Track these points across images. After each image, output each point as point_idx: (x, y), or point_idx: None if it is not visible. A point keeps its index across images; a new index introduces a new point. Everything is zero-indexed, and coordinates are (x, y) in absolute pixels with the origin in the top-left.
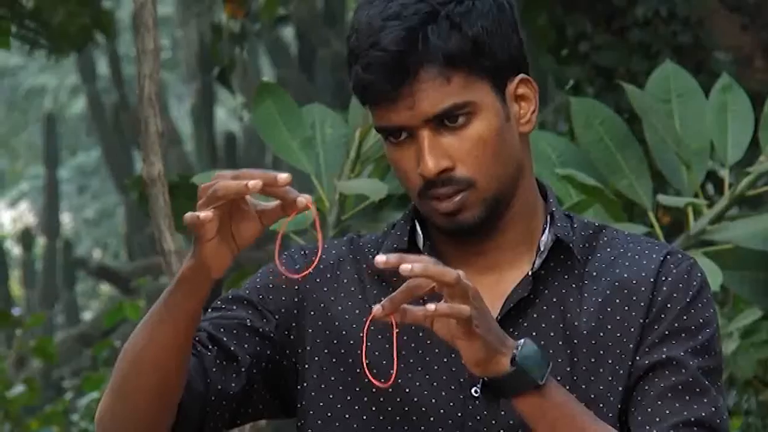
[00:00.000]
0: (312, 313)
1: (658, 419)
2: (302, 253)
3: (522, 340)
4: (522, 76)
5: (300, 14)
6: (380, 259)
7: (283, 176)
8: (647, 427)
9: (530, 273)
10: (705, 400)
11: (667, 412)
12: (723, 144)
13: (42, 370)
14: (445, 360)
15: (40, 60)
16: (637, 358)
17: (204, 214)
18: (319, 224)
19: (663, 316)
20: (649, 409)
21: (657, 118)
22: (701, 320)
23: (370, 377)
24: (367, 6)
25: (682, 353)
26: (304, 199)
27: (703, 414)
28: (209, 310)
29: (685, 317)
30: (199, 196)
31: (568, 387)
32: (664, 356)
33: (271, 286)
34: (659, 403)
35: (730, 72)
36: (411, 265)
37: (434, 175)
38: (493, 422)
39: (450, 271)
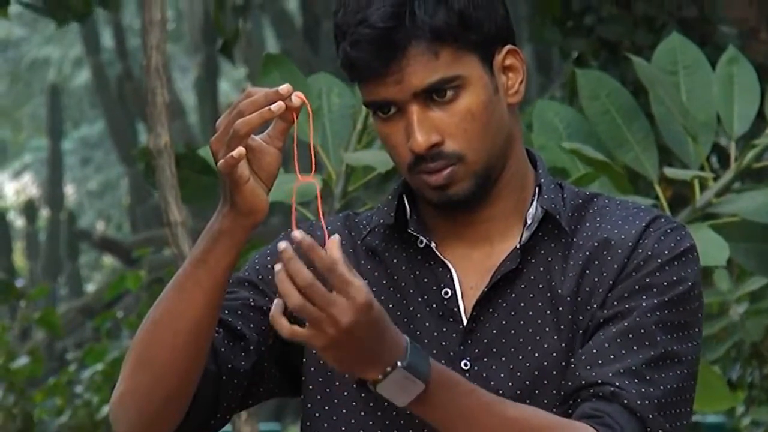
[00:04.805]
0: None
1: (600, 362)
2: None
3: (397, 365)
4: (509, 47)
5: None
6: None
7: (284, 87)
8: (588, 368)
9: (518, 246)
10: (652, 353)
11: (611, 357)
12: (729, 116)
13: (45, 341)
14: (435, 334)
15: (43, 31)
16: (600, 310)
17: (236, 150)
18: (320, 193)
19: (634, 273)
20: (595, 351)
21: (664, 91)
22: (675, 277)
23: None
24: None
25: (643, 305)
26: (296, 97)
27: (638, 365)
28: None
29: (658, 273)
30: (215, 152)
31: (555, 354)
32: (626, 307)
33: (269, 266)
34: (606, 346)
35: (736, 45)
36: (282, 269)
37: (424, 150)
38: None
39: (294, 300)
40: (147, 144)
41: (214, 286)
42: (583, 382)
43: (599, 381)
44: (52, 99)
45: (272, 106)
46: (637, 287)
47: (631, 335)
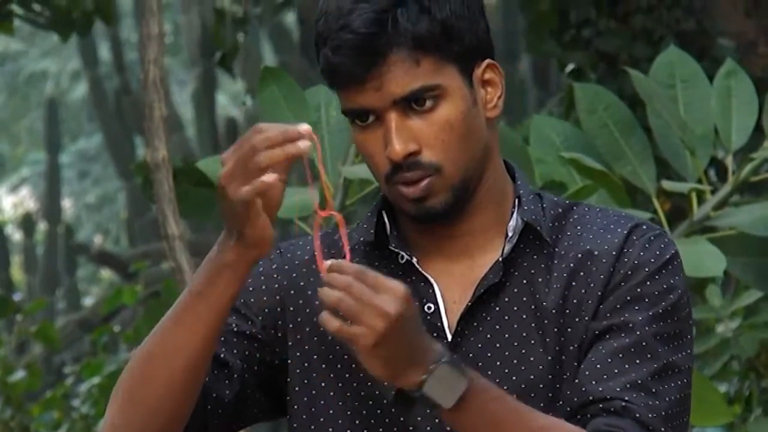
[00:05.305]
0: (291, 308)
1: (605, 377)
2: (278, 252)
3: (441, 360)
4: (489, 61)
5: None
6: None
7: (305, 127)
8: (593, 383)
9: (500, 259)
10: (654, 365)
11: (616, 371)
12: (727, 130)
13: (43, 355)
14: None
15: (41, 45)
16: (594, 322)
17: (271, 176)
18: (342, 223)
19: (623, 284)
20: (598, 366)
21: (661, 104)
22: (664, 286)
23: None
24: None
25: (639, 318)
26: (303, 131)
27: (645, 378)
28: None
29: (648, 283)
30: (224, 186)
31: (541, 367)
32: (621, 319)
33: (251, 288)
34: (609, 361)
35: (734, 58)
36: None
37: (401, 158)
38: None
39: (332, 296)
40: (145, 158)
41: (215, 320)
42: (591, 398)
43: (608, 396)
44: (49, 112)
45: (300, 144)
46: (628, 298)
47: (633, 349)
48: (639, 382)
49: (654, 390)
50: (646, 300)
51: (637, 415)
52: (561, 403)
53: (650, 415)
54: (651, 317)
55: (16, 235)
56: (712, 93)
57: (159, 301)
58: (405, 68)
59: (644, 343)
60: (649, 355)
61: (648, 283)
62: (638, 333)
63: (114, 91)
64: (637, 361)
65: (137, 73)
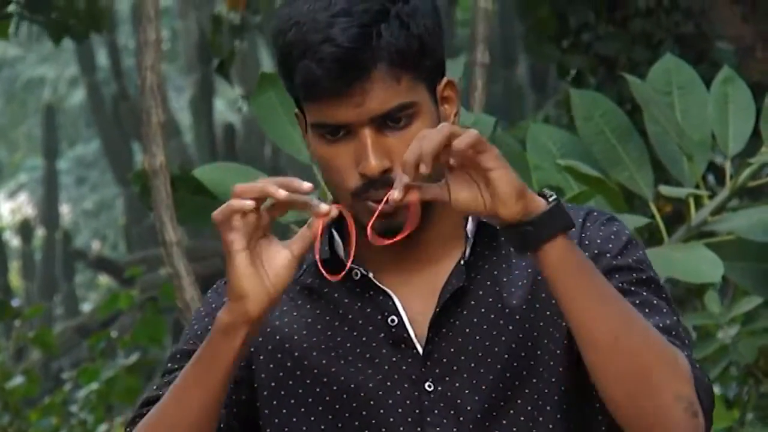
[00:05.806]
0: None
1: None
2: (223, 283)
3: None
4: (447, 77)
5: None
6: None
7: (308, 185)
8: None
9: (462, 262)
10: (664, 311)
11: None
12: (724, 135)
13: (41, 361)
14: (393, 360)
15: (39, 51)
16: None
17: (330, 208)
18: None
19: (595, 264)
20: None
21: (659, 110)
22: (635, 258)
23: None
24: (303, 0)
25: (626, 282)
26: (335, 209)
27: (668, 322)
28: (162, 375)
29: (619, 257)
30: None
31: (516, 364)
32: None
33: (209, 327)
34: None
35: (732, 62)
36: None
37: (377, 174)
38: (452, 413)
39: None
40: (142, 165)
41: (228, 374)
42: None
43: None
44: (47, 118)
45: (323, 209)
46: (605, 272)
47: (637, 302)
48: (661, 326)
49: (674, 333)
50: (625, 269)
51: None
52: (536, 397)
53: (684, 354)
54: (636, 282)
55: (14, 241)
56: (709, 99)
57: (155, 306)
58: (386, 86)
59: (645, 299)
60: (655, 306)
61: (619, 257)
62: (633, 291)
63: (112, 97)
64: (647, 311)
65: (135, 79)
